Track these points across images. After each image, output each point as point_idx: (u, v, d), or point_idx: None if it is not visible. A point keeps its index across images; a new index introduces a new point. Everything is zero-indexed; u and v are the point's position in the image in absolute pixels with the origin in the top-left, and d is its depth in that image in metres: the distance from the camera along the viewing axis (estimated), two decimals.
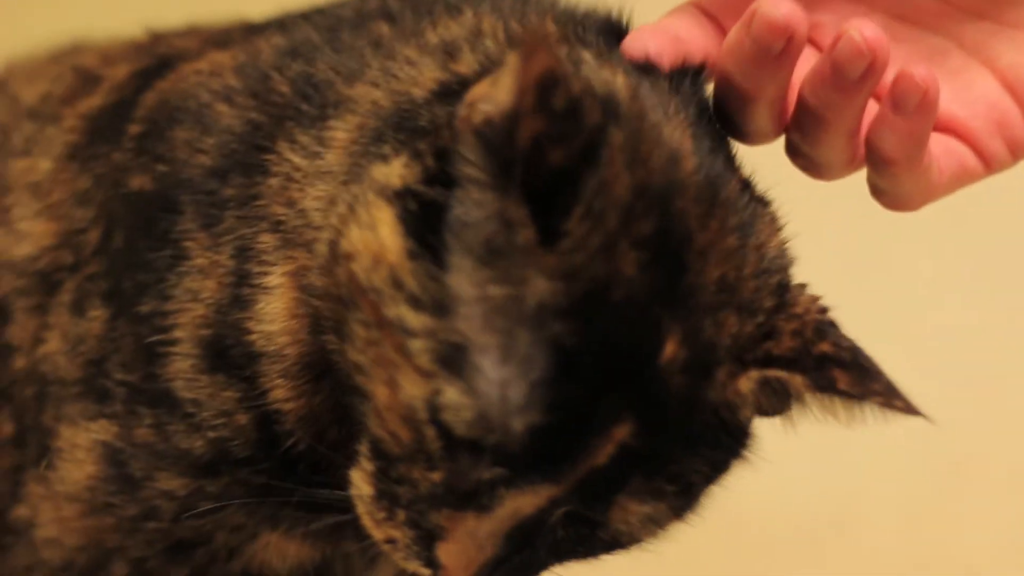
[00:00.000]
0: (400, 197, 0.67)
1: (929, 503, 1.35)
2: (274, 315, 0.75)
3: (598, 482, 0.66)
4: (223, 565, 0.82)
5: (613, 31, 0.77)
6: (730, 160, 0.73)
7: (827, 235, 1.30)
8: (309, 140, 0.76)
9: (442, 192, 0.65)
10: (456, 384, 0.64)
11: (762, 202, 0.74)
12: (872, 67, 0.70)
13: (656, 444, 0.66)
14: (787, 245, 0.73)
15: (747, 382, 0.68)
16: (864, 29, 0.69)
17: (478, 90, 0.65)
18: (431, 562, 0.69)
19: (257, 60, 0.82)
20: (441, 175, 0.66)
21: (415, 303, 0.65)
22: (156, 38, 0.95)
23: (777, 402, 0.70)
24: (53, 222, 0.85)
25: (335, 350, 0.70)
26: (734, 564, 1.10)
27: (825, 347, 0.69)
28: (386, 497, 0.69)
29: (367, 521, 0.70)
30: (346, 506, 0.79)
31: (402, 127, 0.72)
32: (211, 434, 0.77)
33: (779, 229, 0.73)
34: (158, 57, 0.89)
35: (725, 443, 0.69)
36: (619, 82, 0.68)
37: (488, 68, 0.72)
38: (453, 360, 0.64)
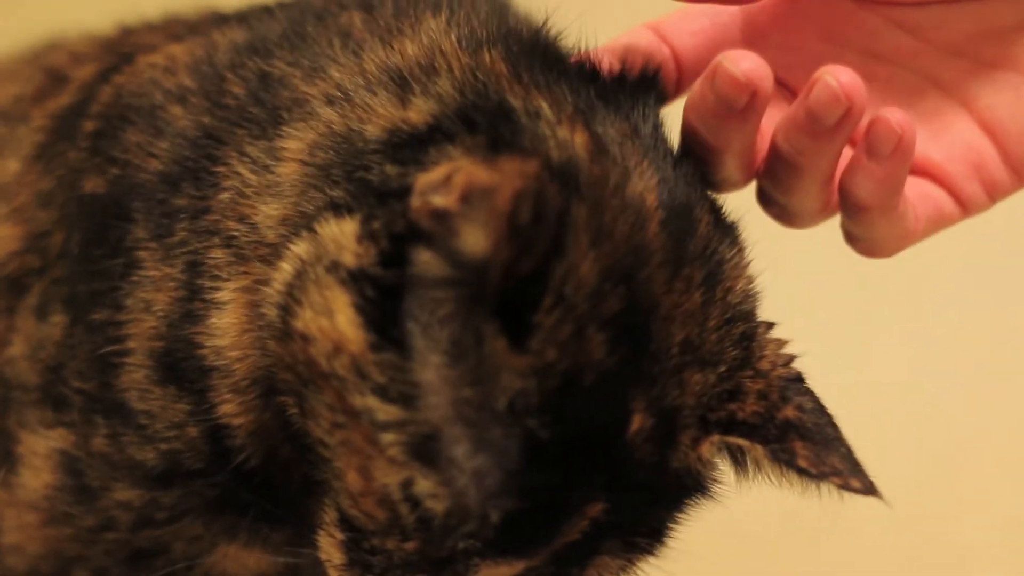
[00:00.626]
0: (355, 280, 0.64)
1: (922, 492, 1.34)
2: (224, 330, 0.74)
3: (572, 552, 0.67)
4: (183, 575, 0.81)
5: (543, 47, 0.75)
6: (691, 179, 0.71)
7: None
8: (260, 153, 0.74)
9: (399, 274, 0.63)
10: (430, 475, 0.63)
11: (728, 232, 0.72)
12: (848, 114, 0.68)
13: (627, 514, 0.67)
14: (753, 284, 0.72)
15: (709, 447, 0.68)
16: (840, 75, 0.67)
17: (427, 180, 0.62)
18: None
19: (213, 57, 0.80)
20: (397, 257, 0.63)
21: (382, 393, 0.63)
22: (126, 33, 0.94)
23: (735, 464, 0.70)
24: (19, 225, 0.84)
25: (294, 416, 0.69)
26: (726, 557, 1.10)
27: (789, 412, 0.68)
28: (358, 565, 0.69)
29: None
30: (303, 519, 0.79)
31: (352, 176, 0.70)
32: (163, 446, 0.76)
33: (745, 265, 0.72)
34: (122, 54, 0.88)
35: (694, 496, 0.70)
36: (578, 142, 0.65)
37: (436, 128, 0.69)
38: (425, 451, 0.63)
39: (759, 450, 0.67)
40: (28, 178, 0.85)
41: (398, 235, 0.63)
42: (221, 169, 0.75)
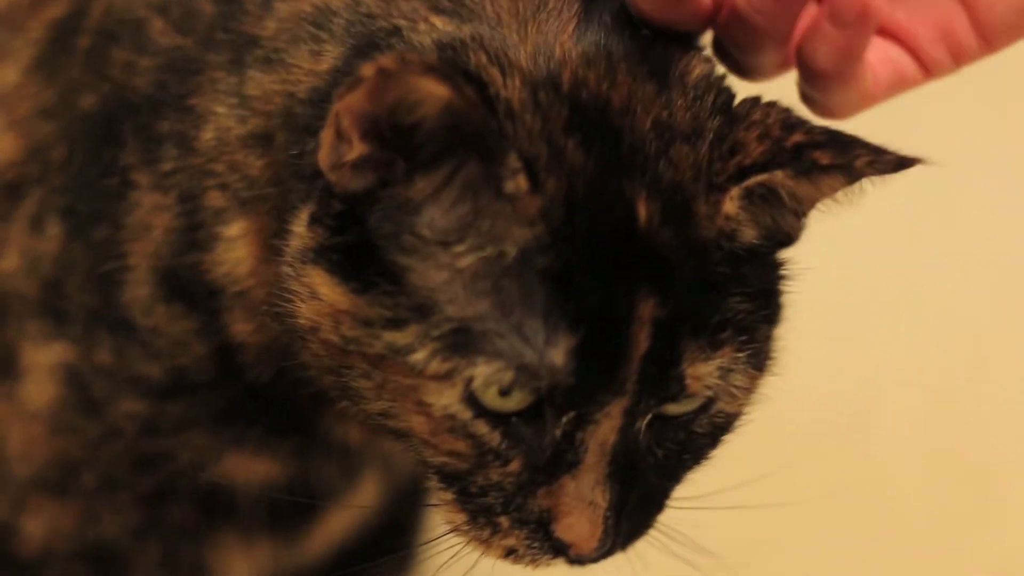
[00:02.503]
0: (320, 254, 0.66)
1: (948, 399, 1.33)
2: (238, 260, 0.74)
3: (656, 369, 0.65)
4: (190, 479, 0.83)
5: None
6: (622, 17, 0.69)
7: None
8: (232, 94, 0.73)
9: (357, 230, 0.65)
10: (478, 361, 0.63)
11: (681, 40, 0.70)
12: None
13: (684, 303, 0.65)
14: (713, 70, 0.70)
15: (731, 202, 0.66)
16: None
17: (327, 139, 0.64)
18: (558, 548, 0.67)
19: None
20: (350, 220, 0.65)
21: (392, 324, 0.64)
22: None
23: (774, 210, 0.68)
24: (21, 138, 0.84)
25: (355, 412, 0.69)
26: (757, 458, 1.09)
27: (798, 137, 0.66)
28: (481, 514, 0.68)
29: (477, 547, 0.69)
30: (311, 427, 0.79)
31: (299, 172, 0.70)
32: (169, 361, 0.77)
33: (705, 61, 0.70)
34: None
35: (751, 274, 0.68)
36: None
37: (341, 72, 0.69)
38: (461, 344, 0.63)
39: (780, 175, 0.65)
40: (29, 90, 0.84)
41: (339, 213, 0.65)
42: (197, 102, 0.74)
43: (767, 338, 0.70)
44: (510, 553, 0.68)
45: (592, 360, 0.63)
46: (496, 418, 0.65)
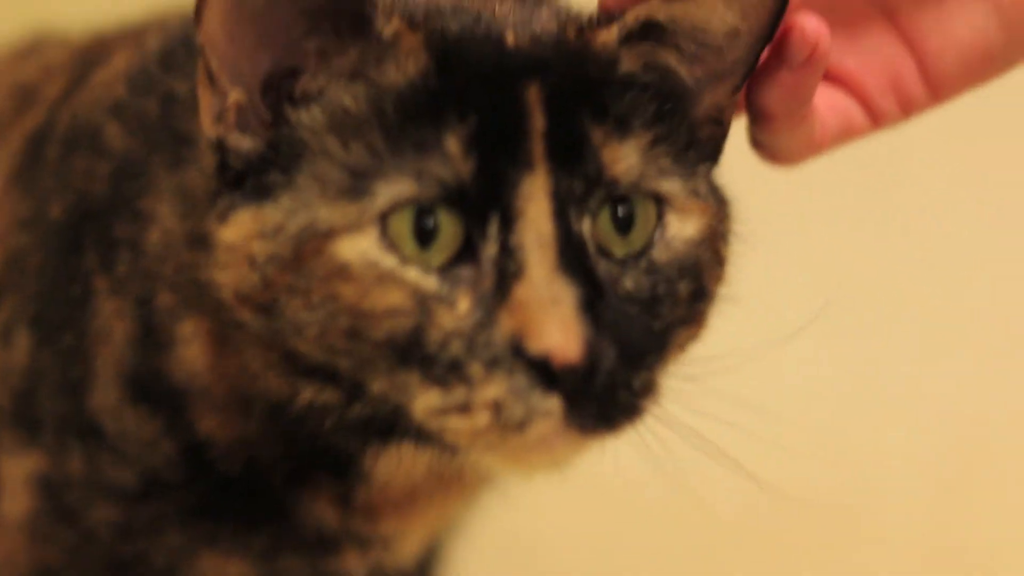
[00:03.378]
0: (226, 206, 0.68)
1: (947, 491, 1.32)
2: (195, 358, 0.75)
3: (564, 145, 0.65)
4: None
5: None
6: None
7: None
8: (175, 193, 0.75)
9: (241, 160, 0.68)
10: (378, 190, 0.64)
11: None
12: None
13: (571, 88, 0.66)
14: None
15: (607, 33, 0.68)
16: None
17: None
18: (543, 372, 0.63)
19: (143, 64, 0.81)
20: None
21: (297, 208, 0.65)
22: (97, 42, 0.95)
23: (651, 45, 0.69)
24: (1, 249, 0.85)
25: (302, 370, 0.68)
26: (750, 549, 1.08)
27: None
28: (450, 375, 0.64)
29: (460, 425, 0.64)
30: (283, 522, 0.78)
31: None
32: (139, 464, 0.78)
33: None
34: (85, 69, 0.89)
35: (636, 84, 0.68)
36: None
37: None
38: (360, 187, 0.64)
39: (654, 1, 0.68)
40: (8, 203, 0.86)
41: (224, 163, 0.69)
42: (144, 204, 0.76)
43: (690, 154, 0.70)
44: (498, 410, 0.63)
45: (490, 145, 0.64)
46: (427, 267, 0.64)
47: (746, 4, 0.68)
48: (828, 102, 0.75)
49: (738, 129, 0.75)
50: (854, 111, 0.77)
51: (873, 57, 0.76)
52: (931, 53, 0.77)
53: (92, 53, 0.92)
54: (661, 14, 0.68)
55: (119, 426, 0.77)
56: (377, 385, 0.66)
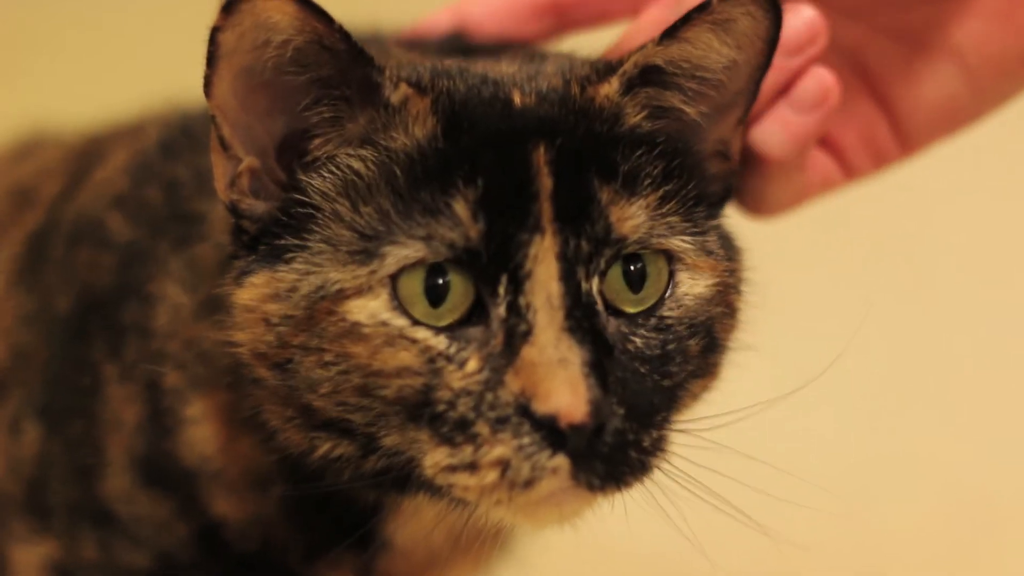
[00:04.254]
0: (243, 270, 0.69)
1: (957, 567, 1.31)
2: (206, 440, 0.76)
3: (573, 207, 0.66)
4: None
5: None
6: None
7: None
8: (183, 269, 0.77)
9: (257, 227, 0.69)
10: (387, 252, 0.65)
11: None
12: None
13: (578, 148, 0.67)
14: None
15: (608, 86, 0.69)
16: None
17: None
18: (550, 431, 0.63)
19: (144, 156, 0.83)
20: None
21: (309, 271, 0.66)
22: (91, 142, 0.97)
23: (659, 90, 0.70)
24: (5, 345, 0.86)
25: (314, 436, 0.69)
26: None
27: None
28: (457, 432, 0.64)
29: (467, 483, 0.65)
30: None
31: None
32: (154, 547, 0.78)
33: None
34: (83, 167, 0.91)
35: (643, 140, 0.69)
36: None
37: None
38: (371, 250, 0.65)
39: (650, 47, 0.68)
40: (12, 301, 0.88)
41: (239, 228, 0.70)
42: (152, 288, 0.78)
43: (700, 209, 0.70)
44: (504, 469, 0.64)
45: (499, 208, 0.65)
46: (437, 328, 0.65)
47: (740, 37, 0.69)
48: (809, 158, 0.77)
49: None
50: (830, 166, 0.80)
51: (849, 116, 0.79)
52: (904, 113, 0.80)
53: (88, 152, 0.94)
54: (659, 58, 0.69)
55: (132, 510, 0.77)
56: (390, 439, 0.66)
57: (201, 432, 0.76)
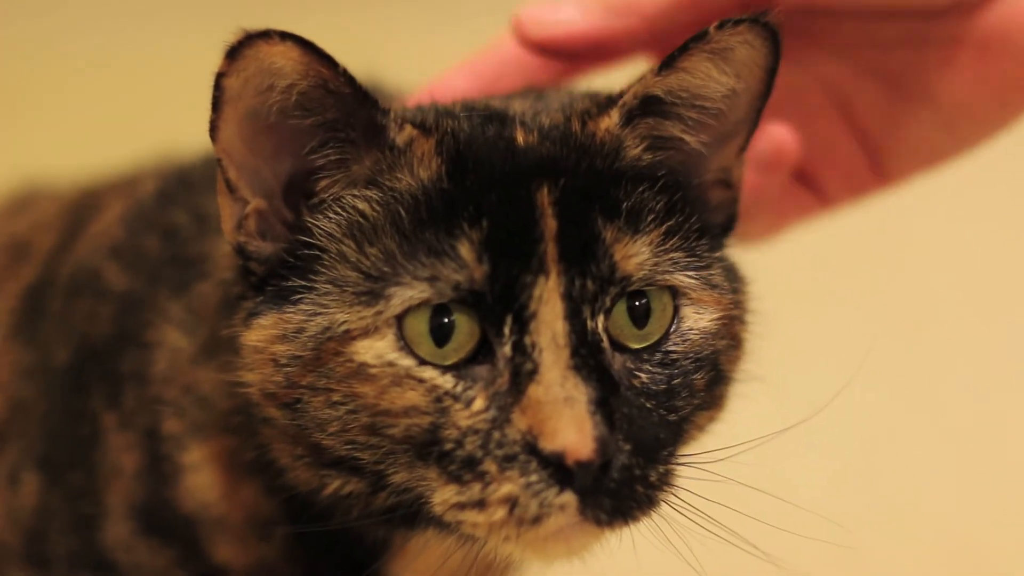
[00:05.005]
0: (251, 312, 0.69)
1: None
2: (206, 487, 0.76)
3: (577, 247, 0.66)
4: None
5: None
6: None
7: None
8: (180, 311, 0.77)
9: (264, 268, 0.69)
10: (393, 294, 0.65)
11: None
12: None
13: (582, 188, 0.67)
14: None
15: (608, 119, 0.69)
16: None
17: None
18: (557, 468, 0.63)
19: (140, 206, 0.84)
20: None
21: (316, 311, 0.67)
22: (85, 195, 0.97)
23: (658, 121, 0.70)
24: (4, 399, 0.86)
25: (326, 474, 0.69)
26: None
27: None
28: (465, 471, 0.65)
29: (476, 519, 0.65)
30: None
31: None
32: None
33: None
34: (78, 220, 0.91)
35: (644, 175, 0.69)
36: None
37: None
38: (377, 291, 0.65)
39: (648, 77, 0.69)
40: (8, 356, 0.88)
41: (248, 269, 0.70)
42: (151, 335, 0.78)
43: (703, 242, 0.71)
44: (512, 506, 0.64)
45: (503, 249, 0.65)
46: (444, 367, 0.65)
47: (739, 66, 0.69)
48: (783, 190, 0.79)
49: None
50: (806, 197, 0.82)
51: (828, 150, 0.81)
52: (883, 149, 0.81)
53: (84, 205, 0.94)
54: (658, 88, 0.69)
55: (132, 559, 0.77)
56: (399, 477, 0.66)
57: (201, 479, 0.76)
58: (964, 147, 0.82)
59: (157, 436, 0.76)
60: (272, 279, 0.68)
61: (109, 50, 1.66)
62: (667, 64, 0.68)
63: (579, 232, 0.66)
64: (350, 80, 0.65)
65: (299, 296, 0.67)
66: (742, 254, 0.76)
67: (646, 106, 0.69)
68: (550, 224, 0.66)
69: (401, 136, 0.67)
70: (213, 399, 0.74)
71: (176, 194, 0.82)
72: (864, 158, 0.81)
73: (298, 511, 0.72)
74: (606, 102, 0.70)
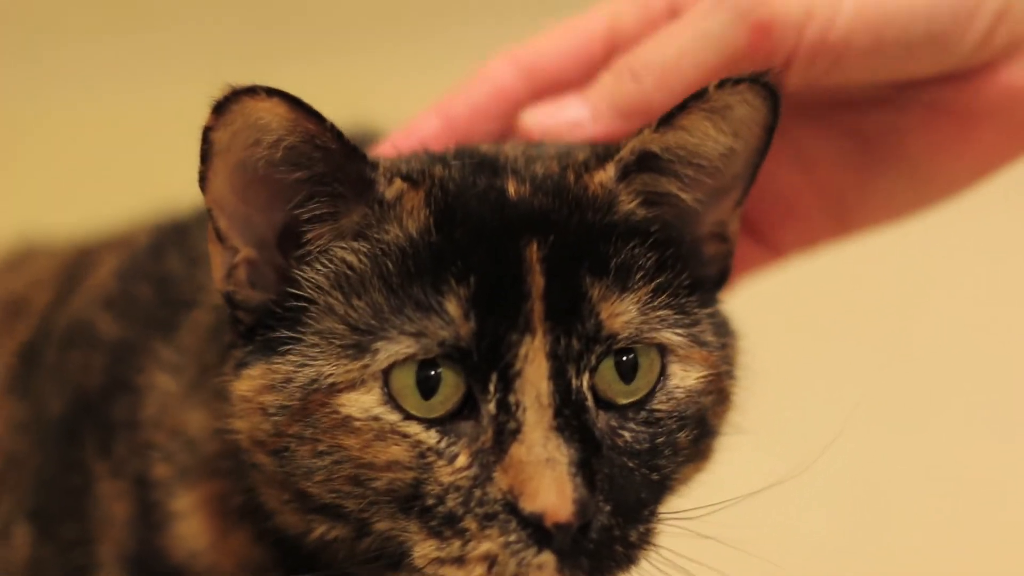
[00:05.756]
0: (239, 361, 0.69)
1: None
2: (196, 535, 0.76)
3: (564, 306, 0.66)
4: None
5: None
6: None
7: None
8: (170, 353, 0.78)
9: (252, 317, 0.70)
10: (379, 348, 0.65)
11: None
12: None
13: (570, 245, 0.67)
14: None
15: (603, 173, 0.69)
16: None
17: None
18: (536, 529, 0.64)
19: (134, 259, 0.85)
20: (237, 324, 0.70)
21: (302, 363, 0.67)
22: (81, 253, 0.98)
23: (653, 176, 0.70)
24: None
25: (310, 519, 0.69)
26: None
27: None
28: (446, 527, 0.65)
29: (453, 573, 0.65)
30: None
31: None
32: None
33: None
34: (74, 277, 0.92)
35: (637, 230, 0.69)
36: None
37: None
38: (364, 344, 0.66)
39: (646, 134, 0.69)
40: (3, 411, 0.88)
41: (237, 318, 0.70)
42: (141, 380, 0.78)
43: (693, 298, 0.71)
44: (491, 564, 0.64)
45: (490, 306, 0.65)
46: (428, 421, 0.65)
47: (737, 124, 0.69)
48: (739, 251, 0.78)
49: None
50: (757, 251, 0.83)
51: (784, 205, 0.82)
52: (846, 205, 0.82)
53: (79, 262, 0.95)
54: (655, 145, 0.69)
55: None
56: (382, 525, 0.67)
57: (190, 527, 0.76)
58: (934, 203, 0.82)
59: (147, 482, 0.77)
60: (261, 329, 0.69)
61: (104, 106, 1.67)
62: (665, 121, 0.69)
63: (566, 290, 0.67)
64: (337, 135, 0.66)
65: (287, 347, 0.68)
66: (732, 304, 0.76)
67: (642, 162, 0.70)
68: (538, 281, 0.66)
69: (390, 190, 0.68)
70: (200, 442, 0.75)
71: (170, 244, 0.83)
72: (824, 211, 0.81)
73: (287, 556, 0.72)
74: (603, 155, 0.70)
